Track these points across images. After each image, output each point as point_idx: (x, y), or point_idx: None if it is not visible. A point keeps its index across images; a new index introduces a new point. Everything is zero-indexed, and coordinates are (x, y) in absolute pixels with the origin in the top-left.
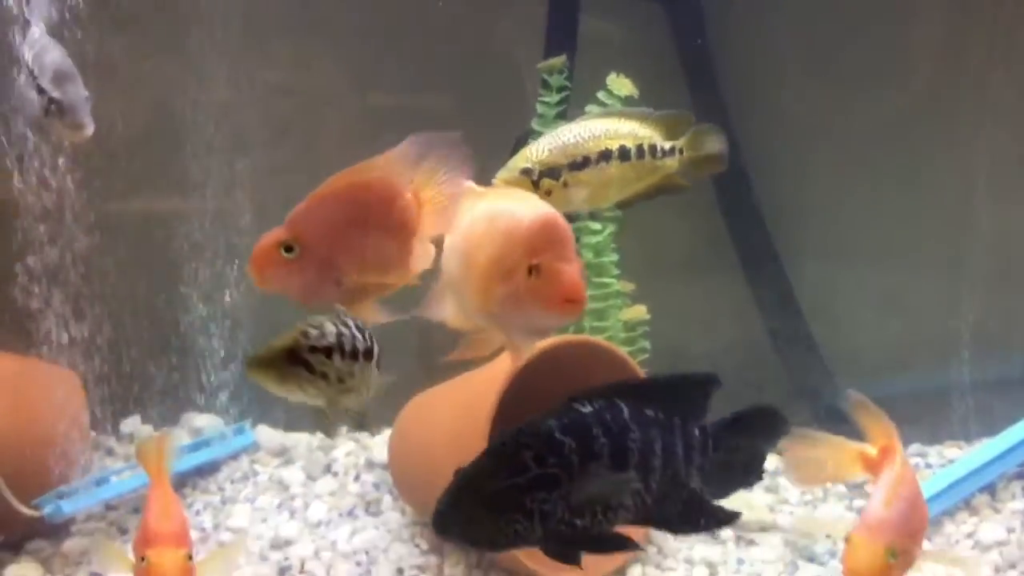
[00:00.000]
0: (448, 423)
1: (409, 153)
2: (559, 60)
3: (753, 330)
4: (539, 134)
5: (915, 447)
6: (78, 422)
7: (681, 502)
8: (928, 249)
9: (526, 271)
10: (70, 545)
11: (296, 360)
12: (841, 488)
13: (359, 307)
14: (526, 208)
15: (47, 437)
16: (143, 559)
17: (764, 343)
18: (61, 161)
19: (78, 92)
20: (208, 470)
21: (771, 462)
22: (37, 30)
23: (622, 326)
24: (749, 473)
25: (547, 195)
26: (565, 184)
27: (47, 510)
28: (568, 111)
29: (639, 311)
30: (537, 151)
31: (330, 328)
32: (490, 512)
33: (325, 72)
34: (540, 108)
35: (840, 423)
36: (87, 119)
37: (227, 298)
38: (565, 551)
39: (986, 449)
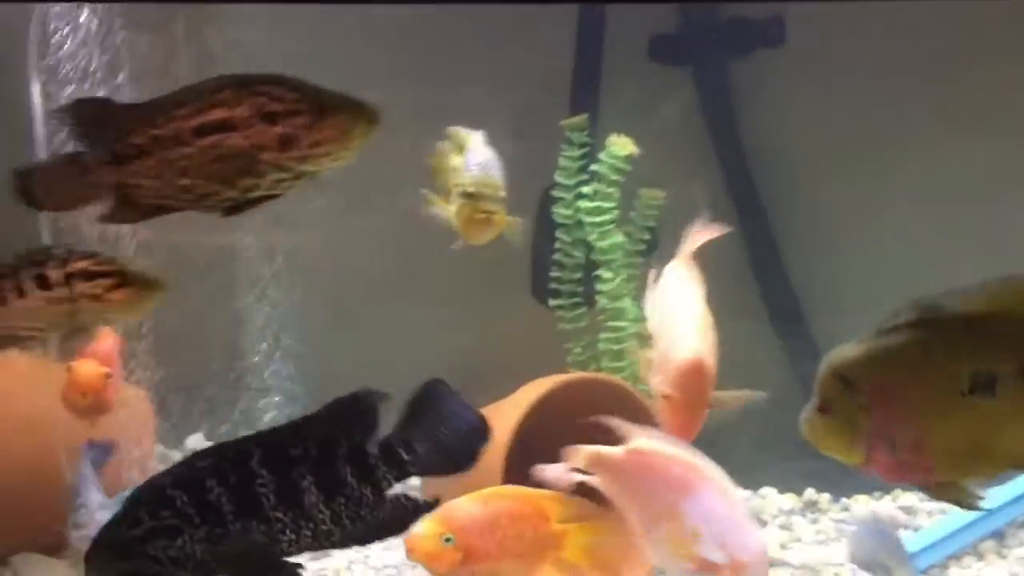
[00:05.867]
0: None
1: None
2: (582, 119)
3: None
4: (562, 186)
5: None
6: (147, 434)
7: (374, 517)
8: None
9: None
10: None
11: None
12: (854, 529)
13: None
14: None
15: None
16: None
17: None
18: None
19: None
20: None
21: (787, 502)
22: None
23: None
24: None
25: None
26: None
27: None
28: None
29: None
30: None
31: None
32: (122, 559)
33: None
34: (562, 162)
35: None
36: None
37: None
38: None
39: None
